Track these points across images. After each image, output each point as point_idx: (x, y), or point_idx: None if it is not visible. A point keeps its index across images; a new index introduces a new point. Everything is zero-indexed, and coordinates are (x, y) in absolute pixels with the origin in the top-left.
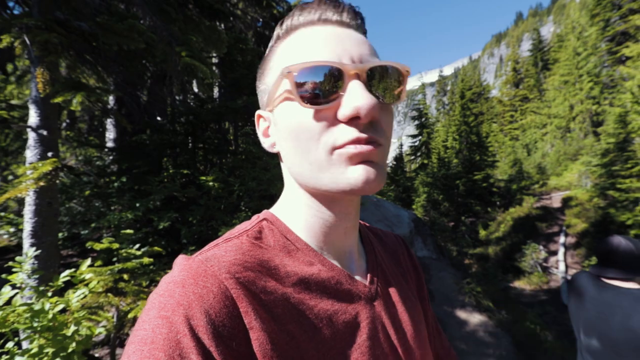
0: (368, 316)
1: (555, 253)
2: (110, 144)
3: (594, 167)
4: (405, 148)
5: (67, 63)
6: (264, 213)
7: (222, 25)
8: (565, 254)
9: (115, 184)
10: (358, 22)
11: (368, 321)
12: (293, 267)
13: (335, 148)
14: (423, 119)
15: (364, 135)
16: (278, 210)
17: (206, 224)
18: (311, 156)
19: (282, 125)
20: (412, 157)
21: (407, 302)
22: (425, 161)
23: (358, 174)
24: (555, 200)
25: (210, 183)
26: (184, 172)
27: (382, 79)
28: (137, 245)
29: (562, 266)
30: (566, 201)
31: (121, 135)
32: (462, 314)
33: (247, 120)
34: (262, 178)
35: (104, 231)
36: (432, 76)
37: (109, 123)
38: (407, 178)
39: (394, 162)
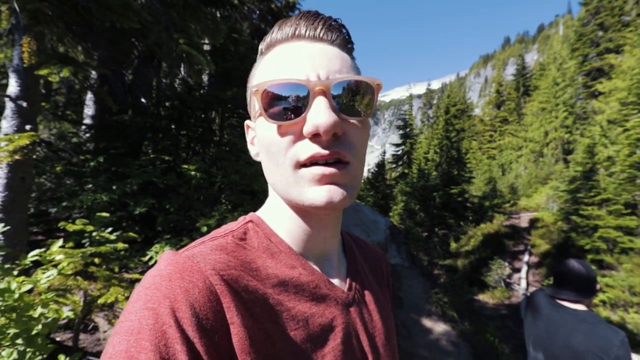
0: (343, 321)
1: (518, 270)
2: (88, 121)
3: (561, 192)
4: (388, 155)
5: (55, 34)
6: (250, 215)
7: (218, 13)
8: (527, 272)
9: (92, 163)
10: (333, 36)
11: (343, 326)
12: (274, 269)
13: (299, 163)
14: (407, 129)
15: (325, 152)
16: (263, 213)
17: (184, 214)
18: (280, 169)
19: (260, 137)
20: (394, 166)
21: (382, 311)
22: (406, 171)
23: (320, 195)
24: (524, 220)
25: (192, 172)
26: (165, 158)
27: (349, 94)
28: (110, 229)
29: (523, 283)
30: (533, 222)
31: (101, 112)
32: (427, 323)
33: (234, 111)
34: (245, 172)
35: (75, 211)
36: (420, 88)
37: (89, 99)
38: (386, 185)
39: (376, 169)
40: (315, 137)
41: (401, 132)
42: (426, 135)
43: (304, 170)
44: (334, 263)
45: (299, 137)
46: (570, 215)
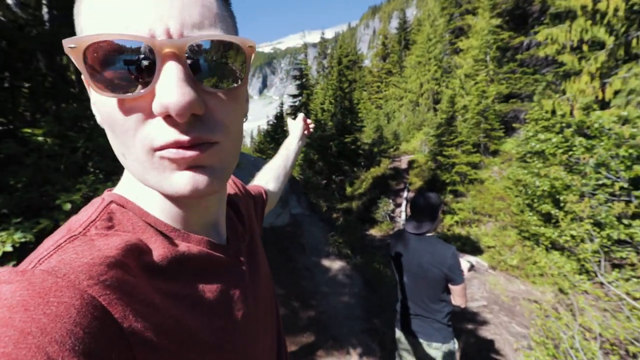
0: (237, 277)
1: (400, 205)
2: None
3: (431, 137)
4: (286, 107)
5: None
6: (108, 195)
7: None
8: (407, 206)
9: None
10: None
11: (238, 282)
12: (159, 250)
13: (154, 149)
14: (304, 80)
15: (184, 138)
16: (126, 190)
17: (38, 189)
18: (132, 153)
19: (99, 109)
20: (293, 117)
21: (259, 246)
22: None
23: (183, 183)
24: (404, 162)
25: (40, 138)
26: None
27: (213, 59)
28: None
29: (403, 216)
30: (411, 163)
31: None
32: (326, 263)
33: None
34: None
35: None
36: (314, 37)
37: None
38: (286, 137)
39: (274, 121)
40: (168, 117)
41: (297, 82)
42: (322, 86)
43: (159, 154)
44: (221, 227)
45: (150, 114)
46: (436, 155)
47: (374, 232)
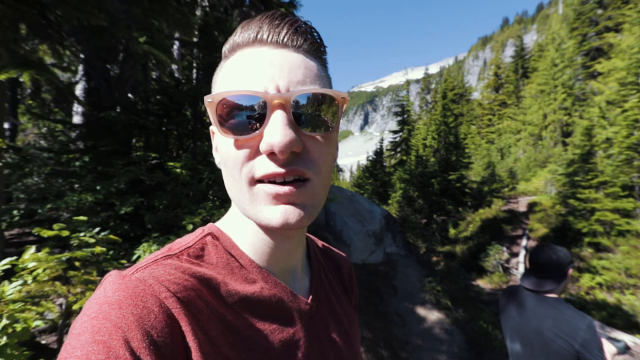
0: (305, 334)
1: (516, 255)
2: (78, 118)
3: (559, 175)
4: (386, 143)
5: (15, 37)
6: (209, 227)
7: (206, 1)
8: (525, 256)
9: (77, 163)
10: (299, 42)
11: (305, 339)
12: (235, 285)
13: (254, 179)
14: (405, 116)
15: (281, 170)
16: (224, 224)
17: (172, 211)
18: (237, 184)
19: (219, 148)
20: (392, 153)
21: (346, 320)
22: (404, 157)
23: (276, 216)
24: (522, 205)
25: (178, 169)
26: (152, 155)
27: (312, 108)
28: (97, 229)
29: (521, 267)
30: (531, 206)
31: (91, 110)
32: (421, 311)
33: None
34: None
35: (60, 213)
36: (418, 73)
37: (79, 95)
38: (385, 173)
39: (374, 157)
40: (271, 154)
41: (399, 118)
42: (424, 121)
43: (259, 186)
44: (299, 275)
45: (256, 152)
46: (568, 198)
47: (482, 283)
